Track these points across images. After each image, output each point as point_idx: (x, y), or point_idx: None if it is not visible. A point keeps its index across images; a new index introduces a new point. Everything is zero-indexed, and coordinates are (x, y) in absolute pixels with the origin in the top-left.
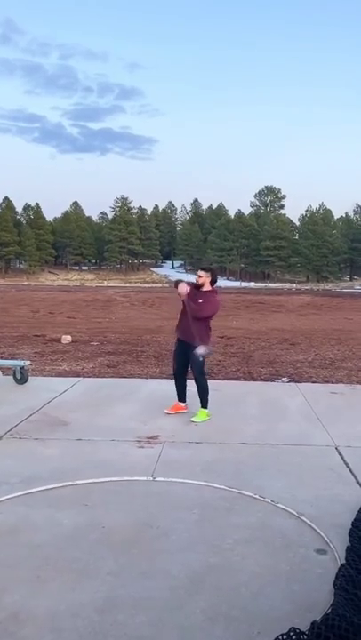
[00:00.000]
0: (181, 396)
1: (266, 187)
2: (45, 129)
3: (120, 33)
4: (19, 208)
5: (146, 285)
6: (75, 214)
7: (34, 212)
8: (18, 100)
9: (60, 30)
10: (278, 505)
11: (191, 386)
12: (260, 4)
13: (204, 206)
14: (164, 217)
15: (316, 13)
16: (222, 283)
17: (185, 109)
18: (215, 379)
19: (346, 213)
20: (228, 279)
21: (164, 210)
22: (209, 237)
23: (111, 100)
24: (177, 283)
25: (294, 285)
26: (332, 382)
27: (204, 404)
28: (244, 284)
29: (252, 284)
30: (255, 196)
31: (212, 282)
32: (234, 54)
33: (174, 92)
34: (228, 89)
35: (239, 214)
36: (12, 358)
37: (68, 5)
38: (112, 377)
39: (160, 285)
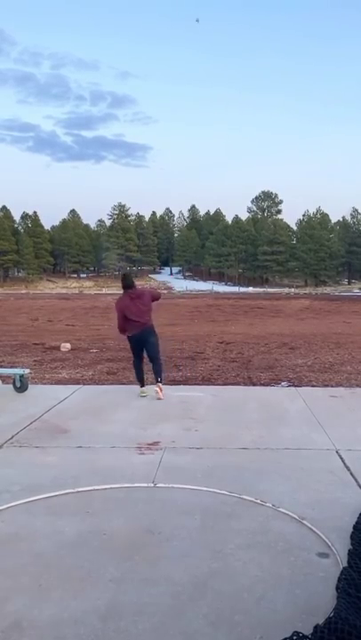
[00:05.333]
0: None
1: (263, 192)
2: (39, 138)
3: (110, 42)
4: (16, 217)
5: None
6: (72, 222)
7: (32, 220)
8: (11, 109)
9: (51, 40)
10: (280, 509)
11: (192, 390)
12: (257, 11)
13: (202, 212)
14: (161, 223)
15: (313, 24)
16: (221, 288)
17: (178, 116)
18: (215, 384)
19: (343, 217)
20: (226, 284)
21: (161, 216)
22: (207, 243)
23: (104, 109)
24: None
25: (293, 290)
26: (332, 386)
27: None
28: (243, 289)
29: (250, 289)
30: (252, 201)
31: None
32: (228, 60)
33: (167, 99)
34: (222, 94)
35: (237, 220)
36: (11, 367)
37: (58, 15)
38: (112, 384)
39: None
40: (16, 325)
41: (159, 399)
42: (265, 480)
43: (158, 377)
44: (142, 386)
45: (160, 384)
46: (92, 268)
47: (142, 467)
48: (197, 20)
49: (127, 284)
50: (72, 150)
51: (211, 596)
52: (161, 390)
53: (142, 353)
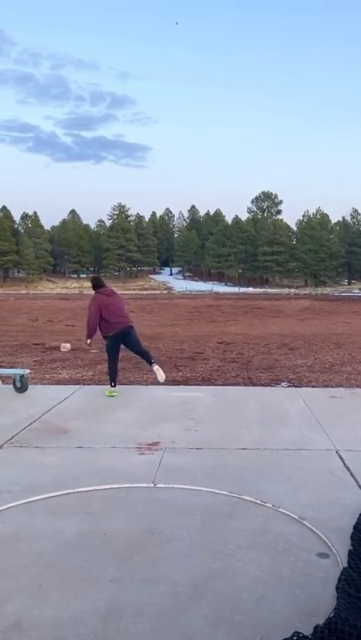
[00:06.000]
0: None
1: (263, 192)
2: (39, 138)
3: (110, 42)
4: (16, 217)
5: (144, 292)
6: (72, 222)
7: (32, 220)
8: (11, 109)
9: (50, 40)
10: (280, 509)
11: (192, 391)
12: (256, 11)
13: (202, 213)
14: (161, 224)
15: (311, 25)
16: (221, 288)
17: (178, 117)
18: (215, 384)
19: (343, 217)
20: (226, 285)
21: (161, 217)
22: (207, 244)
23: (103, 109)
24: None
25: (293, 290)
26: (332, 386)
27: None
28: (243, 290)
29: (250, 290)
30: (252, 201)
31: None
32: (227, 60)
33: (166, 99)
34: (221, 95)
35: (236, 220)
36: (11, 367)
37: (58, 15)
38: None
39: (158, 292)
40: (16, 326)
41: (161, 380)
42: (265, 480)
43: (152, 359)
44: (114, 386)
45: (156, 364)
46: (92, 269)
47: (142, 467)
48: (177, 23)
49: (99, 284)
50: (72, 150)
51: (211, 597)
52: (159, 369)
53: (119, 353)
